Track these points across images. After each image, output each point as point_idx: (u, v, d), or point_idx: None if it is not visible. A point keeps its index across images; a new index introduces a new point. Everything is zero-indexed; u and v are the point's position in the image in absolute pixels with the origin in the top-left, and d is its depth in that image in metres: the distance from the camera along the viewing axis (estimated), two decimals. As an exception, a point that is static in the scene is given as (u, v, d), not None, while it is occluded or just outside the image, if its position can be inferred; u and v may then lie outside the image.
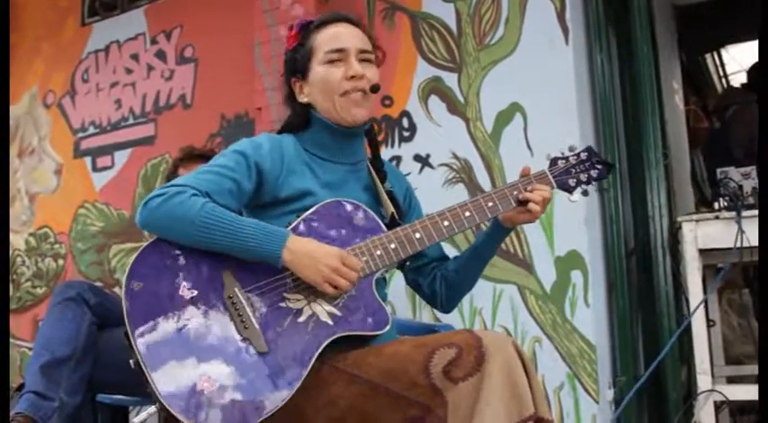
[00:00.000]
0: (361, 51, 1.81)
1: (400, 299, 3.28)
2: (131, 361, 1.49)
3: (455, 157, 3.38)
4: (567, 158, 1.83)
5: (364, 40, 1.83)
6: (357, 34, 1.83)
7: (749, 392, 2.83)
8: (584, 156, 1.84)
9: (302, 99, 1.84)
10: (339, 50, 1.78)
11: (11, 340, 4.59)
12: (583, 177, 1.82)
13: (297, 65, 1.83)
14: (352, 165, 1.84)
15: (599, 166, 1.84)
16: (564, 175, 1.82)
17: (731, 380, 3.47)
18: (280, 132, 1.87)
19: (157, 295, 1.53)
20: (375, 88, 1.80)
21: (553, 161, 1.83)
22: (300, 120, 1.84)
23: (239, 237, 1.55)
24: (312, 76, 1.81)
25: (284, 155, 1.74)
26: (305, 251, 1.56)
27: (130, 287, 1.52)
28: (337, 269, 1.56)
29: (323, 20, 1.85)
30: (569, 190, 1.82)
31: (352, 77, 1.77)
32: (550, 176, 1.80)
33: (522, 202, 1.75)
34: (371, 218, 1.72)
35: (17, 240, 4.95)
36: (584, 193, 1.83)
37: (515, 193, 1.75)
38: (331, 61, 1.78)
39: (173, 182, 1.63)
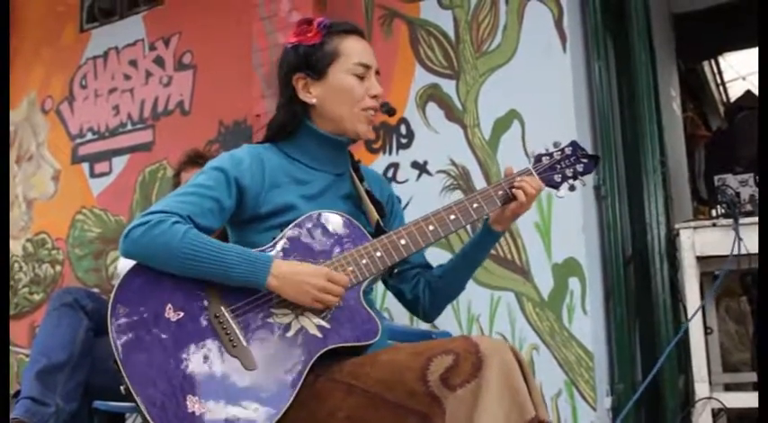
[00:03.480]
0: (377, 71, 1.81)
1: (397, 305, 3.27)
2: (122, 387, 1.47)
3: (453, 163, 3.38)
4: (551, 155, 1.80)
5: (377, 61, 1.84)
6: (374, 54, 1.83)
7: (747, 400, 2.82)
8: (568, 151, 1.80)
9: (308, 99, 1.77)
10: (366, 66, 1.77)
11: (7, 346, 4.58)
12: (568, 173, 1.78)
13: (311, 62, 1.76)
14: (336, 175, 1.82)
15: (584, 160, 1.80)
16: (549, 171, 1.78)
17: (729, 387, 3.47)
18: (267, 134, 1.83)
19: (143, 319, 1.51)
20: (392, 112, 1.82)
21: (537, 158, 1.80)
22: (294, 122, 1.79)
23: (223, 266, 1.54)
24: (332, 80, 1.76)
25: (266, 168, 1.72)
26: (289, 275, 1.55)
27: (116, 312, 1.50)
28: (323, 287, 1.54)
29: (349, 28, 1.81)
30: (555, 186, 1.78)
31: (375, 97, 1.77)
32: (535, 173, 1.77)
33: (508, 201, 1.73)
34: (355, 227, 1.70)
35: (14, 246, 4.94)
36: (571, 188, 1.79)
37: (500, 192, 1.73)
38: (357, 74, 1.76)
39: (153, 208, 1.61)
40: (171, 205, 1.61)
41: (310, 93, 1.78)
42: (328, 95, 1.76)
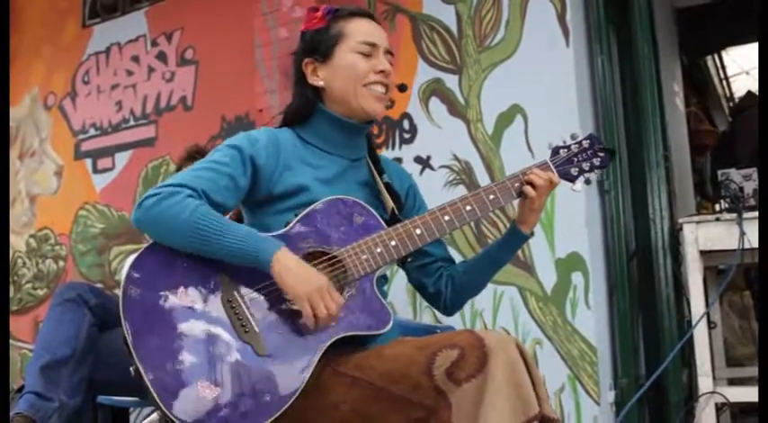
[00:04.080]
0: (387, 51, 1.81)
1: (401, 299, 3.28)
2: (131, 368, 1.47)
3: (456, 158, 3.38)
4: (568, 147, 1.80)
5: (388, 42, 1.83)
6: (385, 35, 1.83)
7: (750, 394, 2.82)
8: (586, 144, 1.80)
9: (315, 82, 1.79)
10: (371, 44, 1.77)
11: (11, 342, 4.59)
12: (585, 166, 1.79)
13: (318, 46, 1.79)
14: (351, 160, 1.82)
15: (601, 154, 1.80)
16: (566, 164, 1.78)
17: (732, 382, 3.47)
18: (282, 122, 1.85)
19: (155, 301, 1.51)
20: (403, 87, 1.82)
21: (555, 150, 1.80)
22: (307, 106, 1.80)
23: (229, 243, 1.53)
24: (337, 60, 1.77)
25: (281, 150, 1.73)
26: (294, 267, 1.53)
27: (128, 293, 1.50)
28: (321, 291, 1.51)
29: (354, 11, 1.83)
30: (572, 179, 1.78)
31: (381, 72, 1.76)
32: (552, 166, 1.77)
33: (524, 195, 1.74)
34: (371, 215, 1.70)
35: (18, 242, 4.95)
36: (587, 181, 1.79)
37: (517, 184, 1.73)
38: (362, 52, 1.76)
39: (169, 181, 1.61)
40: (186, 179, 1.61)
41: (318, 76, 1.79)
42: (334, 76, 1.78)
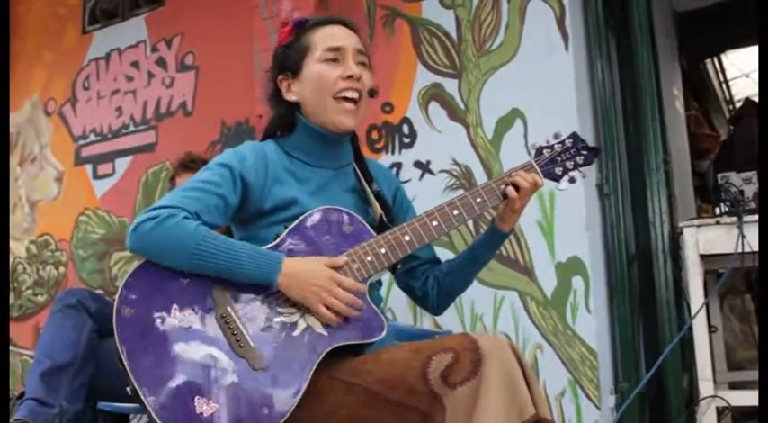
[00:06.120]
0: (358, 52, 1.79)
1: (401, 304, 3.28)
2: (128, 388, 1.47)
3: (455, 163, 3.38)
4: (552, 147, 1.79)
5: (360, 43, 1.82)
6: (354, 37, 1.81)
7: (751, 398, 2.81)
8: (569, 143, 1.80)
9: (290, 97, 1.80)
10: (336, 49, 1.76)
11: (12, 348, 4.59)
12: (569, 165, 1.78)
13: (288, 61, 1.80)
14: (336, 169, 1.82)
15: (585, 152, 1.79)
16: (550, 164, 1.78)
17: (733, 385, 3.46)
18: (263, 137, 1.85)
19: (149, 320, 1.51)
20: (373, 92, 1.78)
21: (538, 151, 1.80)
22: (285, 121, 1.81)
23: (234, 262, 1.54)
24: (305, 73, 1.77)
25: (268, 164, 1.72)
26: (300, 273, 1.55)
27: (121, 313, 1.50)
28: (331, 291, 1.54)
29: (320, 20, 1.82)
30: (556, 179, 1.78)
31: (349, 77, 1.74)
32: (536, 167, 1.77)
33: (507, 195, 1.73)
34: (360, 223, 1.70)
35: (18, 248, 4.95)
36: (572, 180, 1.78)
37: (503, 186, 1.72)
38: (328, 60, 1.75)
39: (161, 203, 1.61)
40: (177, 201, 1.61)
41: (292, 91, 1.80)
42: (305, 90, 1.78)
